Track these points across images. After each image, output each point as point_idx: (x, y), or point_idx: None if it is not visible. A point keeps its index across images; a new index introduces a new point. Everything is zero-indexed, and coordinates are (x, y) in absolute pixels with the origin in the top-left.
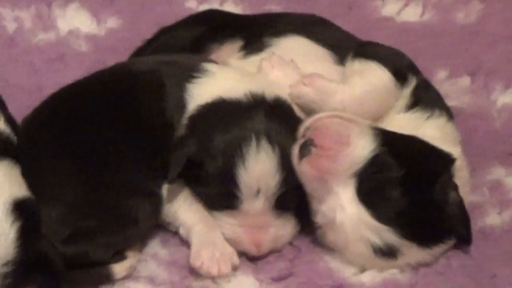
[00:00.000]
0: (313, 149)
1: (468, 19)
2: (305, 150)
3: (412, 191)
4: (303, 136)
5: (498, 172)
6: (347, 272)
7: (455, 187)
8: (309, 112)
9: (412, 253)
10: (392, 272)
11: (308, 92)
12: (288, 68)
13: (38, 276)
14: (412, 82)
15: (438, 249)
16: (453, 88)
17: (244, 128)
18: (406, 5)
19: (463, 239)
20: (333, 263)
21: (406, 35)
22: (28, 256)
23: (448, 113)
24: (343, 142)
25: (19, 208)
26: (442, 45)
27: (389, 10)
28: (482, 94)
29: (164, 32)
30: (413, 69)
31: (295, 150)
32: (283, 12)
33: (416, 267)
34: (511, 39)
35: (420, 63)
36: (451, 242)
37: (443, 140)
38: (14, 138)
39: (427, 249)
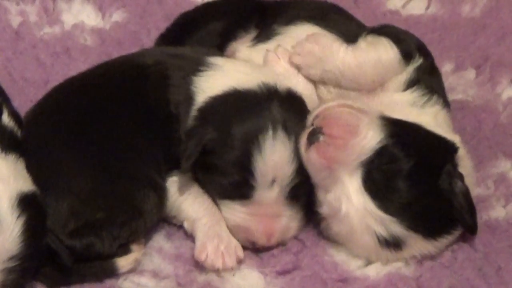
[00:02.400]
0: (322, 137)
1: (474, 12)
2: (313, 137)
3: (419, 182)
4: (312, 124)
5: (503, 165)
6: (352, 266)
7: (461, 177)
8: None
9: (418, 244)
10: (397, 266)
11: (312, 49)
12: None
13: (44, 270)
14: (418, 61)
15: (444, 240)
16: (459, 81)
17: (261, 118)
18: None
19: (469, 229)
20: (338, 257)
21: (412, 28)
22: (34, 251)
23: (446, 101)
24: (352, 132)
25: (24, 203)
26: (447, 38)
27: (394, 3)
28: (487, 87)
29: (188, 22)
30: (423, 50)
31: (303, 138)
32: None
33: (421, 259)
34: None
35: None
36: (456, 234)
37: (438, 127)
38: (18, 132)
39: (432, 240)
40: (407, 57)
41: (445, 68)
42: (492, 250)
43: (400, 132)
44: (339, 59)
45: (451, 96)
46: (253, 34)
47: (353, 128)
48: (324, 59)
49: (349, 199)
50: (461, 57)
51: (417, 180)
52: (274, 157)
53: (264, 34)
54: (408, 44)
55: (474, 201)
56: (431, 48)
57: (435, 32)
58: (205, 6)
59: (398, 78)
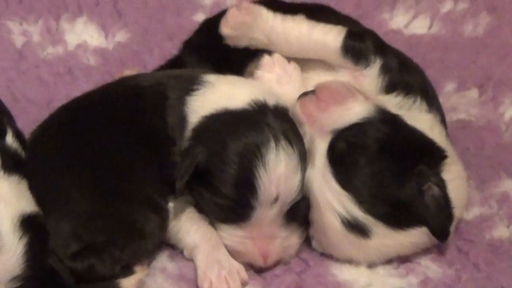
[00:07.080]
0: (310, 95)
1: (476, 32)
2: (304, 95)
3: (382, 168)
4: None
5: (506, 185)
6: (355, 286)
7: (440, 182)
8: None
9: (385, 234)
10: (400, 286)
11: (245, 19)
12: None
13: None
14: (376, 63)
15: (414, 232)
16: (461, 100)
17: (259, 132)
18: (414, 17)
19: (436, 235)
20: (341, 277)
21: (414, 48)
22: (36, 272)
23: (429, 100)
24: (338, 101)
25: (27, 223)
26: (450, 57)
27: (397, 22)
28: (490, 107)
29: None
30: (381, 50)
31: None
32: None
33: (424, 279)
34: None
35: (428, 76)
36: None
37: (433, 133)
38: (22, 153)
39: (400, 231)
40: (355, 54)
41: (448, 87)
42: (495, 270)
43: (386, 121)
44: (267, 25)
45: (453, 116)
46: None
47: (342, 98)
48: (254, 23)
49: (313, 162)
50: (463, 77)
51: (381, 165)
52: (279, 169)
53: None
54: (360, 44)
55: (477, 220)
56: (433, 68)
57: (437, 51)
58: None
59: (368, 84)
